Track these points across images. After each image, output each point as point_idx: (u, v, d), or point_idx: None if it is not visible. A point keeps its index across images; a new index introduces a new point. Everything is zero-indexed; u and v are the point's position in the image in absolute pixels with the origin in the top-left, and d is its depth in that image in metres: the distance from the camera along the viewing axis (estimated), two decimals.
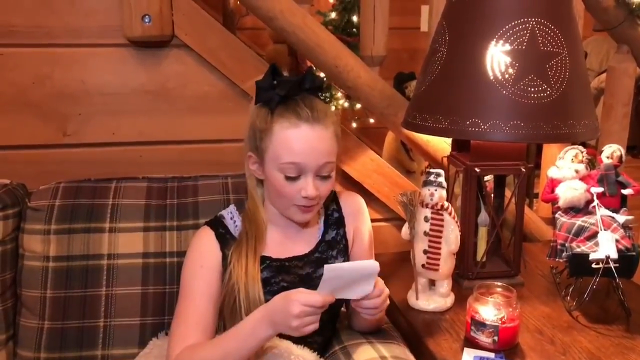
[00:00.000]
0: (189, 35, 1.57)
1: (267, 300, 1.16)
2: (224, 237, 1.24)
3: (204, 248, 1.23)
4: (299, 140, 1.14)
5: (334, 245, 1.30)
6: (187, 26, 1.57)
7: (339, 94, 2.88)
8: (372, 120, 3.13)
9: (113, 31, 1.55)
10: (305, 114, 1.15)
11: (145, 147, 1.65)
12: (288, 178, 1.17)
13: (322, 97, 1.22)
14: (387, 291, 1.15)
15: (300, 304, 1.04)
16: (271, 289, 1.21)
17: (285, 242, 1.28)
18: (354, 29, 2.69)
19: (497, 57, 1.30)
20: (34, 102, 1.57)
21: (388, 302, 1.17)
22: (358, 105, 2.96)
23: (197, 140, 1.67)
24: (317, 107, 1.17)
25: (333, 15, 2.93)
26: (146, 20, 1.50)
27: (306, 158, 1.15)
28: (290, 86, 1.15)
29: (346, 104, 2.91)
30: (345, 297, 1.12)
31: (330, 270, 1.04)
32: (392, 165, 1.80)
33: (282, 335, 1.17)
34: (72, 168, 1.59)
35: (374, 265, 1.07)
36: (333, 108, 3.04)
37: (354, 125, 3.11)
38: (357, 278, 1.09)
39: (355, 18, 2.67)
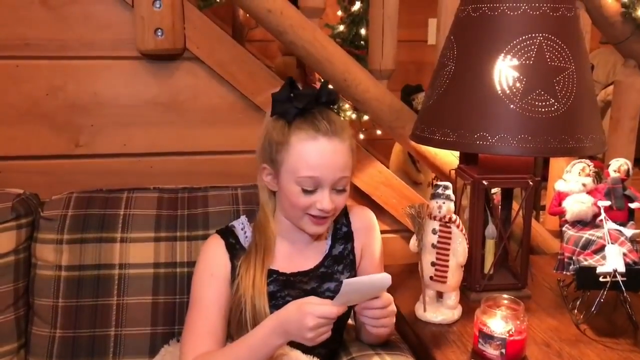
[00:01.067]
0: (200, 49, 1.60)
1: (271, 314, 1.17)
2: (233, 247, 1.25)
3: (214, 257, 1.24)
4: (317, 153, 1.15)
5: (341, 260, 1.31)
6: (198, 39, 1.59)
7: (347, 106, 2.91)
8: (379, 132, 3.16)
9: (126, 44, 1.57)
10: (323, 127, 1.16)
11: (156, 158, 1.66)
12: (305, 191, 1.17)
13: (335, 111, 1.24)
14: (393, 308, 1.15)
15: (315, 317, 1.04)
16: (276, 302, 1.22)
17: (293, 256, 1.28)
18: (362, 42, 2.72)
19: (505, 72, 1.31)
20: (48, 114, 1.59)
21: (394, 319, 1.18)
22: (365, 117, 2.99)
23: (208, 152, 1.69)
24: (334, 121, 1.18)
25: (341, 28, 2.97)
26: (159, 34, 1.52)
27: (324, 172, 1.16)
28: (308, 99, 1.16)
29: (353, 116, 2.93)
30: (352, 303, 1.13)
31: (348, 284, 1.05)
32: (399, 177, 1.81)
33: (290, 343, 1.17)
34: (84, 178, 1.61)
35: (386, 278, 1.08)
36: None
37: (362, 136, 3.14)
38: (369, 290, 1.11)
39: (363, 31, 2.71)
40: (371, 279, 1.10)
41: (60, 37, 1.55)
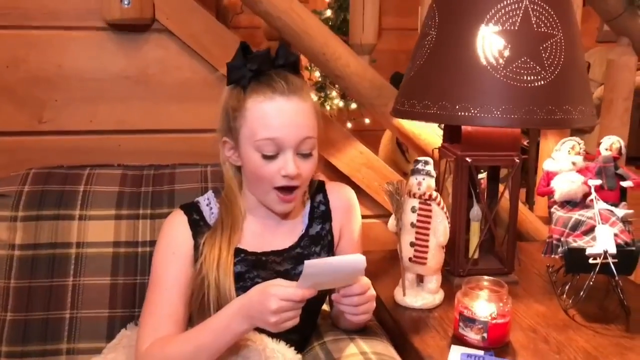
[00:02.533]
0: (170, 19, 1.52)
1: (238, 296, 1.09)
2: (197, 223, 1.17)
3: (175, 233, 1.16)
4: (275, 113, 1.08)
5: (318, 240, 1.23)
6: (168, 9, 1.51)
7: (334, 93, 2.84)
8: (367, 121, 3.08)
9: (91, 13, 1.49)
10: (280, 87, 1.09)
11: (124, 136, 1.58)
12: (266, 157, 1.09)
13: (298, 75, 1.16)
14: (372, 292, 1.07)
15: (278, 299, 0.97)
16: (244, 284, 1.14)
17: (264, 235, 1.20)
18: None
19: (489, 39, 1.24)
20: (8, 87, 1.51)
21: (374, 304, 1.10)
22: (353, 105, 2.92)
23: (179, 130, 1.61)
24: (292, 81, 1.11)
25: (328, 13, 2.90)
26: (125, 3, 1.44)
27: (284, 132, 1.08)
28: (261, 60, 1.10)
29: (341, 104, 2.86)
30: (326, 287, 1.06)
31: (311, 266, 0.96)
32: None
33: (259, 329, 1.10)
34: (48, 156, 1.52)
35: (360, 259, 1.00)
36: (328, 108, 3.01)
37: (349, 125, 3.07)
38: (341, 274, 1.02)
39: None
40: (340, 260, 1.03)
41: (21, 5, 1.48)
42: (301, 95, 1.10)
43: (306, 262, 0.96)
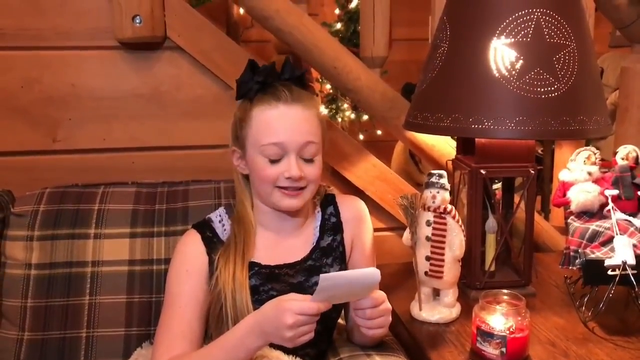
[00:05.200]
0: (181, 37, 1.52)
1: (255, 309, 1.09)
2: (211, 240, 1.17)
3: (189, 251, 1.17)
4: (278, 118, 1.12)
5: (330, 252, 1.23)
6: (179, 27, 1.52)
7: (345, 105, 2.84)
8: (379, 132, 3.08)
9: (104, 33, 1.51)
10: (283, 95, 1.13)
11: (137, 154, 1.59)
12: (271, 162, 1.13)
13: (305, 88, 1.19)
14: (387, 305, 1.07)
15: (293, 313, 0.97)
16: (259, 297, 1.14)
17: (276, 248, 1.20)
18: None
19: (501, 51, 1.23)
20: (23, 107, 1.52)
21: (389, 318, 1.09)
22: (365, 117, 2.92)
23: (192, 146, 1.61)
24: (296, 90, 1.15)
25: (339, 26, 2.91)
26: (137, 21, 1.45)
27: (286, 136, 1.11)
28: (267, 73, 1.14)
29: (352, 116, 2.86)
30: (340, 301, 1.06)
31: (326, 279, 0.96)
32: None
33: (272, 345, 1.09)
34: (62, 175, 1.53)
35: (374, 273, 1.00)
36: (340, 120, 3.01)
37: (361, 137, 3.06)
38: (356, 287, 1.02)
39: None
40: (353, 274, 1.02)
41: (34, 26, 1.49)
42: (304, 103, 1.14)
43: (321, 275, 0.96)
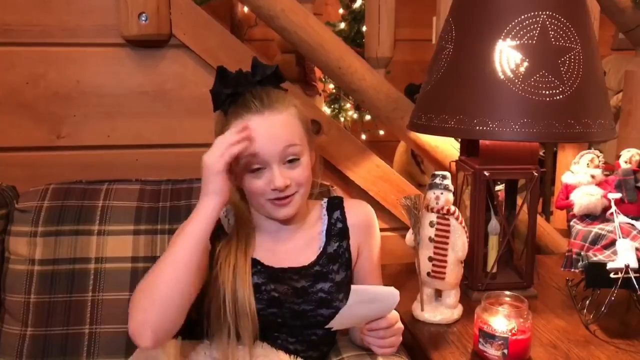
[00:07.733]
0: (187, 35, 1.53)
1: (257, 309, 1.09)
2: (217, 229, 1.14)
3: None
4: (253, 132, 1.08)
5: (336, 258, 1.21)
6: (185, 25, 1.52)
7: (348, 105, 2.84)
8: (382, 132, 3.08)
9: (109, 30, 1.51)
10: (253, 106, 1.10)
11: (141, 151, 1.59)
12: (253, 171, 1.11)
13: (280, 87, 1.17)
14: (400, 325, 1.09)
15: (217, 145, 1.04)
16: (260, 296, 1.13)
17: (278, 250, 1.20)
18: (363, 40, 2.66)
19: (506, 53, 1.23)
20: (28, 103, 1.52)
21: (400, 338, 1.12)
22: (367, 117, 2.92)
23: (196, 144, 1.60)
24: (267, 95, 1.12)
25: (342, 25, 2.91)
26: (142, 19, 1.46)
27: (264, 147, 1.09)
28: (235, 82, 1.12)
29: (355, 116, 2.86)
30: (355, 324, 1.12)
31: (356, 292, 1.03)
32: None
33: (274, 346, 1.11)
34: (66, 171, 1.54)
35: (394, 293, 1.04)
36: (343, 120, 3.01)
37: (364, 137, 3.06)
38: (376, 306, 1.06)
39: (365, 28, 2.64)
40: (379, 290, 1.06)
41: (41, 23, 1.50)
42: (278, 108, 1.11)
43: (352, 286, 1.02)
